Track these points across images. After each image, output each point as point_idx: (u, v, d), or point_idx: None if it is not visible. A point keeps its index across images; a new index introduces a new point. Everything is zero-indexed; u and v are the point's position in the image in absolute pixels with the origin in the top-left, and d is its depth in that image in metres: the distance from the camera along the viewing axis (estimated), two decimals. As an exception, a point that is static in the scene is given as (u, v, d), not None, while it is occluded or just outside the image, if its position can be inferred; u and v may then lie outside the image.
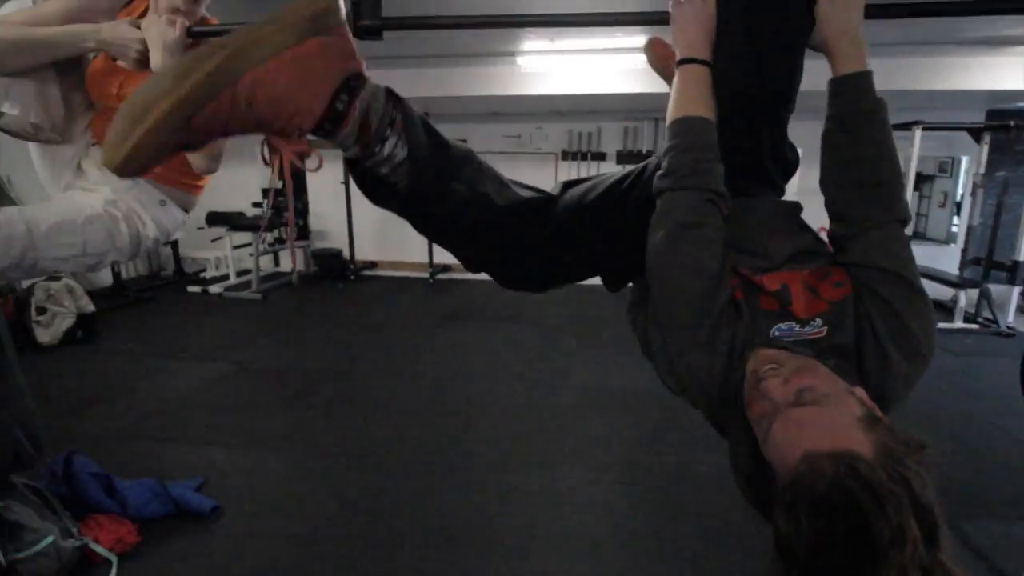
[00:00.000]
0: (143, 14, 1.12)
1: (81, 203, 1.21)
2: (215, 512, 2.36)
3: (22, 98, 1.11)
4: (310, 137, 0.87)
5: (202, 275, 7.33)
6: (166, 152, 0.72)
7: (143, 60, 1.09)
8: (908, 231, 0.87)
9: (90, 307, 4.81)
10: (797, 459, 0.64)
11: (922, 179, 7.56)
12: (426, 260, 7.35)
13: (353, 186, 5.23)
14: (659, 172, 0.87)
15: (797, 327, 0.81)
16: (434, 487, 2.60)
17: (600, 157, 6.97)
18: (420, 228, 1.03)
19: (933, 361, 0.81)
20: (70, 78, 1.21)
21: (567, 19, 1.11)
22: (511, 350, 4.64)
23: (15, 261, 1.09)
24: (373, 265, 7.77)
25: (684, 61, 0.90)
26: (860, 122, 0.88)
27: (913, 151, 4.92)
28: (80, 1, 1.15)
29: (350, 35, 0.85)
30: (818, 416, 0.67)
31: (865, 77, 0.88)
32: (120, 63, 1.13)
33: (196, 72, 0.69)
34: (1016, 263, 5.03)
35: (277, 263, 8.02)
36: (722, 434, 0.89)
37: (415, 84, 5.48)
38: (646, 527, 2.34)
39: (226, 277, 7.06)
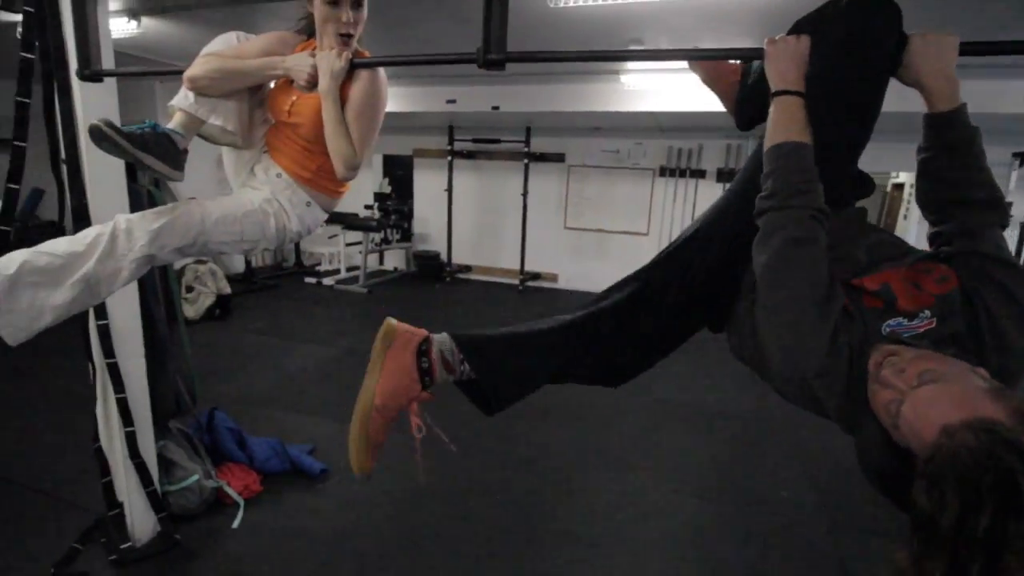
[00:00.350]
0: (313, 52, 1.39)
1: (244, 200, 1.50)
2: (323, 474, 2.68)
3: (225, 113, 1.42)
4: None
5: (317, 268, 8.08)
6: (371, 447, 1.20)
7: (313, 84, 1.36)
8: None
9: (227, 289, 5.52)
10: (935, 434, 0.66)
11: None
12: (518, 267, 7.60)
13: (455, 193, 5.73)
14: (762, 195, 0.95)
15: (906, 321, 0.86)
16: (513, 477, 2.76)
17: (700, 175, 6.86)
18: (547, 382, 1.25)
19: None
20: (255, 98, 1.52)
21: (667, 54, 1.23)
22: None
23: (190, 242, 1.39)
24: (468, 269, 8.14)
25: (779, 93, 0.98)
26: (964, 150, 0.95)
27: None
28: (271, 42, 1.45)
29: (402, 333, 1.19)
30: (946, 391, 0.71)
31: (963, 111, 0.94)
32: (295, 86, 1.41)
33: (356, 429, 1.17)
34: None
35: (382, 261, 8.64)
36: (850, 432, 0.90)
37: (522, 99, 5.75)
38: (718, 543, 2.34)
39: (337, 271, 7.74)
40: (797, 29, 1.04)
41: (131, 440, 2.07)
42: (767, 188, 0.94)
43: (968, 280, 0.87)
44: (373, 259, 8.25)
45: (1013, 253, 3.99)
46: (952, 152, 0.95)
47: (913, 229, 6.59)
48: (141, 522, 2.15)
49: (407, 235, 8.26)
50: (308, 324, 5.48)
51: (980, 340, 0.83)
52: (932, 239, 0.99)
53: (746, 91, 1.24)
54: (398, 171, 8.75)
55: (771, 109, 0.99)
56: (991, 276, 0.86)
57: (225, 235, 1.44)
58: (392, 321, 1.19)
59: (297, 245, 8.13)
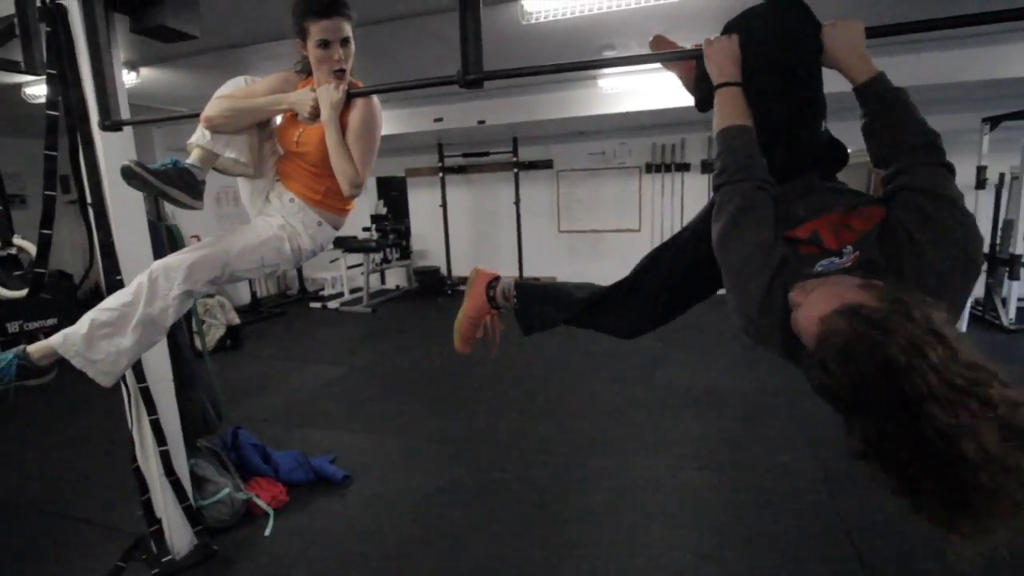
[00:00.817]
0: (313, 88, 1.56)
1: (260, 230, 1.68)
2: (346, 480, 2.82)
3: (238, 147, 1.59)
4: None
5: (321, 293, 8.26)
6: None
7: (316, 115, 1.53)
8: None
9: (236, 320, 5.68)
10: (815, 326, 0.80)
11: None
12: (516, 274, 7.76)
13: (449, 207, 5.97)
14: (714, 172, 1.11)
15: (836, 260, 0.97)
16: (526, 468, 2.90)
17: (684, 168, 7.04)
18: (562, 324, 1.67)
19: None
20: (264, 132, 1.69)
21: (628, 60, 1.40)
22: (598, 353, 4.86)
23: (219, 273, 1.60)
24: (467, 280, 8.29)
25: (720, 85, 1.15)
26: (890, 109, 1.07)
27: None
28: (276, 82, 1.63)
29: (481, 273, 1.77)
30: (823, 293, 0.84)
31: (880, 78, 1.08)
32: (299, 118, 1.58)
33: (456, 328, 1.87)
34: None
35: (383, 281, 8.81)
36: (797, 366, 1.02)
37: (507, 112, 5.95)
38: (726, 510, 2.47)
39: (341, 294, 7.91)
40: (727, 29, 1.20)
41: (165, 459, 2.22)
42: (717, 167, 1.10)
43: (898, 212, 0.98)
44: (375, 279, 8.41)
45: (990, 214, 4.16)
46: (880, 114, 1.08)
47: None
48: (179, 536, 2.29)
49: (406, 253, 8.44)
50: (317, 346, 5.64)
51: (901, 263, 0.94)
52: (883, 186, 1.11)
53: (700, 70, 1.38)
54: (392, 192, 8.96)
55: (715, 100, 1.15)
56: (916, 204, 0.96)
57: (248, 263, 1.64)
58: (477, 267, 1.79)
59: (300, 272, 8.32)
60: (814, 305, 0.84)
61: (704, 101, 1.38)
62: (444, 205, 7.88)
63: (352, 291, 7.89)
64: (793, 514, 2.40)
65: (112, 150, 1.98)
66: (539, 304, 1.65)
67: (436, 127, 6.26)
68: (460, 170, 7.98)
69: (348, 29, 1.51)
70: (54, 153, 1.92)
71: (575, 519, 2.45)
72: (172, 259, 1.55)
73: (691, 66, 1.42)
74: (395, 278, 8.76)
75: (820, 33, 1.11)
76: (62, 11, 1.90)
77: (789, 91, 1.18)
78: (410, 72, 4.36)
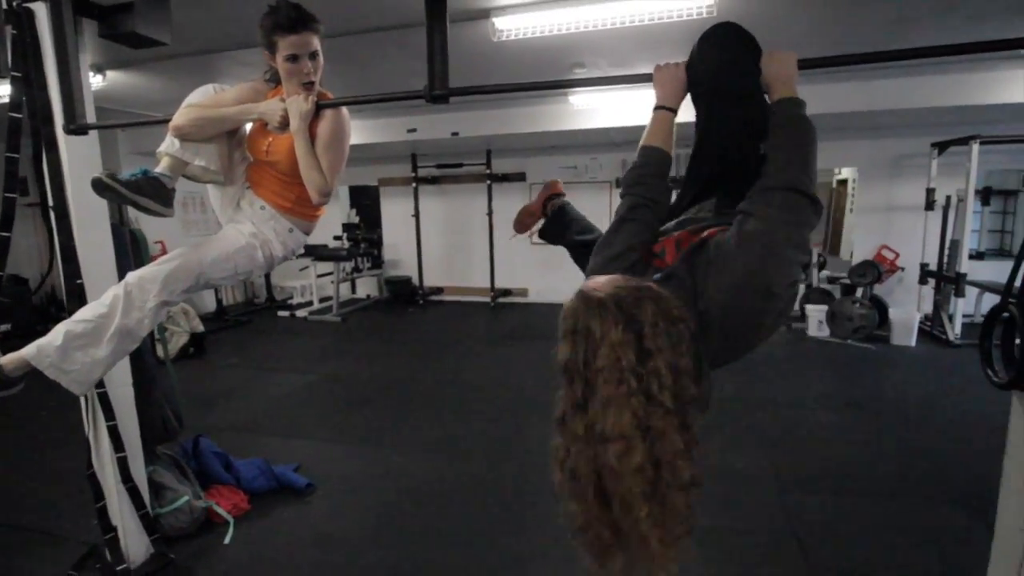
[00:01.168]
0: (283, 98, 1.60)
1: (232, 238, 1.70)
2: (309, 488, 2.81)
3: (207, 155, 1.61)
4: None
5: (289, 301, 8.15)
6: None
7: (285, 125, 1.57)
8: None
9: (200, 327, 5.58)
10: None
11: (1005, 194, 7.27)
12: (488, 285, 7.82)
13: (422, 218, 6.09)
14: (622, 179, 1.24)
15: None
16: (490, 473, 2.93)
17: (654, 184, 7.23)
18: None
19: None
20: (234, 140, 1.71)
21: (589, 82, 1.48)
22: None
23: (194, 282, 1.63)
24: (440, 291, 8.32)
25: (658, 108, 1.25)
26: (777, 130, 1.13)
27: (971, 165, 4.88)
28: (245, 91, 1.66)
29: (555, 184, 2.01)
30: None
31: (785, 102, 1.15)
32: (269, 128, 1.61)
33: (517, 216, 2.10)
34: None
35: (354, 290, 8.75)
36: None
37: (480, 124, 6.04)
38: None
39: (310, 303, 7.82)
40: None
41: (123, 465, 2.19)
42: (624, 178, 1.24)
43: (722, 233, 1.08)
44: (345, 288, 8.36)
45: (938, 234, 4.40)
46: (772, 133, 1.14)
47: (856, 221, 7.04)
48: (135, 544, 2.25)
49: (377, 262, 8.41)
50: (285, 355, 5.57)
51: (698, 277, 1.04)
52: None
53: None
54: (365, 201, 8.95)
55: (650, 119, 1.25)
56: (731, 228, 1.05)
57: (222, 271, 1.67)
58: (555, 179, 2.05)
59: (268, 280, 8.21)
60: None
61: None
62: (417, 215, 7.91)
63: (322, 300, 7.82)
64: (743, 516, 2.49)
65: (76, 153, 1.98)
66: (563, 226, 1.95)
67: (410, 137, 6.31)
68: (433, 181, 8.03)
69: (316, 43, 1.56)
70: (16, 155, 1.91)
71: (536, 524, 2.49)
72: (147, 271, 1.57)
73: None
74: (366, 287, 8.71)
75: (759, 60, 1.21)
76: (29, 14, 1.89)
77: (726, 111, 1.28)
78: (382, 83, 4.43)
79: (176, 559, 2.29)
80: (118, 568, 2.19)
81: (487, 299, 7.85)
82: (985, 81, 4.63)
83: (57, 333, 1.53)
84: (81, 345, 1.52)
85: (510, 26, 3.01)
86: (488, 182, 7.52)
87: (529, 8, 2.86)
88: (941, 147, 5.42)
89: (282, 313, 7.47)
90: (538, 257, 7.92)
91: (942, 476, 2.80)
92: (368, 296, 8.63)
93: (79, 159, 1.99)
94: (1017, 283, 1.43)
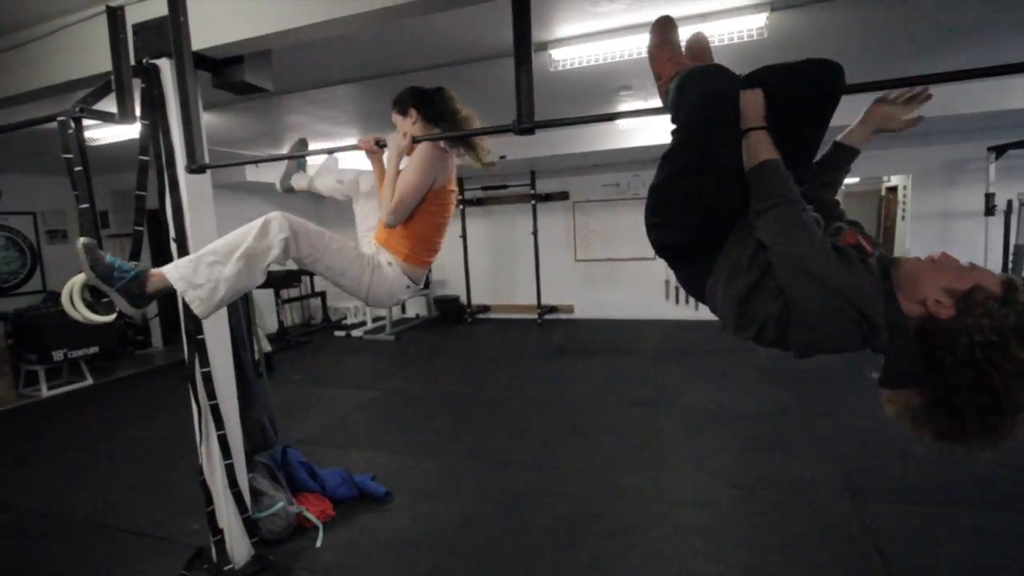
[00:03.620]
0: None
1: (360, 248, 1.96)
2: (388, 497, 2.97)
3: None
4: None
5: (344, 322, 8.48)
6: None
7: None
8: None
9: (268, 347, 5.90)
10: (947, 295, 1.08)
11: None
12: (535, 302, 7.95)
13: (469, 238, 6.33)
14: (761, 198, 1.25)
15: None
16: (556, 484, 3.03)
17: (698, 198, 7.26)
18: None
19: None
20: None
21: (652, 111, 1.61)
22: (619, 377, 5.01)
23: (311, 252, 1.74)
24: (487, 309, 8.51)
25: (749, 129, 1.32)
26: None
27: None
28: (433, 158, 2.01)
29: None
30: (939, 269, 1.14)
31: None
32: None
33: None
34: None
35: (404, 310, 9.03)
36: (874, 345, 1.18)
37: (525, 146, 6.24)
38: (752, 523, 2.58)
39: (364, 323, 8.13)
40: (754, 78, 1.40)
41: (230, 472, 2.39)
42: (765, 195, 1.25)
43: None
44: (396, 308, 8.64)
45: (1000, 240, 4.39)
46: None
47: (909, 228, 6.89)
48: (239, 547, 2.44)
49: (427, 282, 8.68)
50: (347, 372, 5.82)
51: None
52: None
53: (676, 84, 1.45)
54: (412, 223, 9.28)
55: (748, 142, 1.32)
56: None
57: (334, 262, 1.82)
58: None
59: (324, 301, 8.57)
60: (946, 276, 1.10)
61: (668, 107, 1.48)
62: (464, 236, 8.15)
63: (374, 320, 8.11)
64: (819, 526, 2.51)
65: (193, 189, 2.23)
66: None
67: (459, 162, 6.55)
68: (479, 202, 8.28)
69: (395, 118, 2.10)
70: (144, 193, 2.16)
71: (607, 533, 2.57)
72: (290, 215, 1.74)
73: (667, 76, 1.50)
74: (415, 307, 8.98)
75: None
76: (155, 69, 2.17)
77: (795, 138, 1.39)
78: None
79: (275, 561, 2.47)
80: (224, 568, 2.38)
81: (534, 316, 7.98)
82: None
83: (192, 255, 1.66)
84: (212, 262, 1.61)
85: (565, 56, 3.18)
86: (532, 202, 7.71)
87: (584, 40, 3.03)
88: (999, 151, 5.30)
89: (338, 333, 7.79)
90: (583, 274, 8.03)
91: None
92: (418, 316, 8.88)
93: (196, 194, 2.24)
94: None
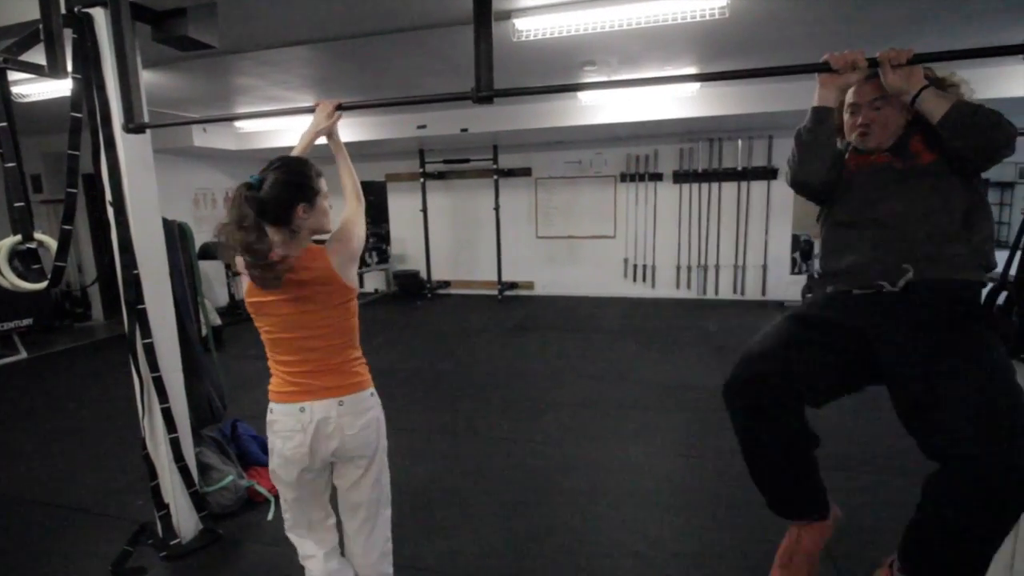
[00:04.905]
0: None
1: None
2: (342, 469, 2.95)
3: None
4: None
5: (299, 295, 8.27)
6: None
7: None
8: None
9: (218, 320, 5.71)
10: None
11: (1002, 186, 7.43)
12: (495, 278, 7.95)
13: (429, 212, 6.29)
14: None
15: None
16: (514, 455, 3.08)
17: (657, 177, 7.37)
18: None
19: None
20: None
21: (631, 83, 1.61)
22: (577, 353, 5.09)
23: None
24: (447, 284, 8.46)
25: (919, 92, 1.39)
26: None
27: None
28: None
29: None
30: None
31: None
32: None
33: None
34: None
35: (362, 284, 8.88)
36: None
37: (487, 120, 6.16)
38: (701, 489, 2.70)
39: (320, 297, 7.94)
40: None
41: (175, 446, 2.32)
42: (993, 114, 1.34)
43: None
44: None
45: None
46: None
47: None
48: (186, 521, 2.39)
49: (384, 257, 8.54)
50: (301, 346, 5.69)
51: None
52: None
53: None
54: (370, 196, 9.06)
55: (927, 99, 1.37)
56: None
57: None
58: None
59: (278, 274, 8.32)
60: None
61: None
62: (425, 210, 8.03)
63: (331, 294, 7.93)
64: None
65: (133, 151, 2.10)
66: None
67: (419, 134, 6.43)
68: (440, 176, 8.15)
69: None
70: (77, 153, 2.03)
71: (562, 500, 2.63)
72: None
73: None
74: (374, 282, 8.85)
75: None
76: (89, 19, 2.01)
77: None
78: (397, 82, 4.54)
79: (224, 534, 2.43)
80: (171, 543, 2.33)
81: (494, 292, 7.98)
82: (987, 76, 4.77)
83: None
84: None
85: (529, 27, 3.12)
86: (495, 177, 7.64)
87: (548, 10, 2.98)
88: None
89: (293, 307, 7.58)
90: (544, 251, 8.07)
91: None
92: (376, 290, 8.76)
93: (135, 157, 2.11)
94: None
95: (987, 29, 3.61)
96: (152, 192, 2.21)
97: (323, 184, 1.49)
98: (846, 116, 1.57)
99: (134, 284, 2.14)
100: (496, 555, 2.25)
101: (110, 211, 2.11)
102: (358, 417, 1.55)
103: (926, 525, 1.30)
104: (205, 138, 6.42)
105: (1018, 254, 1.52)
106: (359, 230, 1.58)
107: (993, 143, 1.34)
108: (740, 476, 2.74)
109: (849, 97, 1.54)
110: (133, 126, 1.97)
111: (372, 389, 1.62)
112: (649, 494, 2.67)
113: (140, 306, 2.16)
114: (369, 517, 1.63)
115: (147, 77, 4.17)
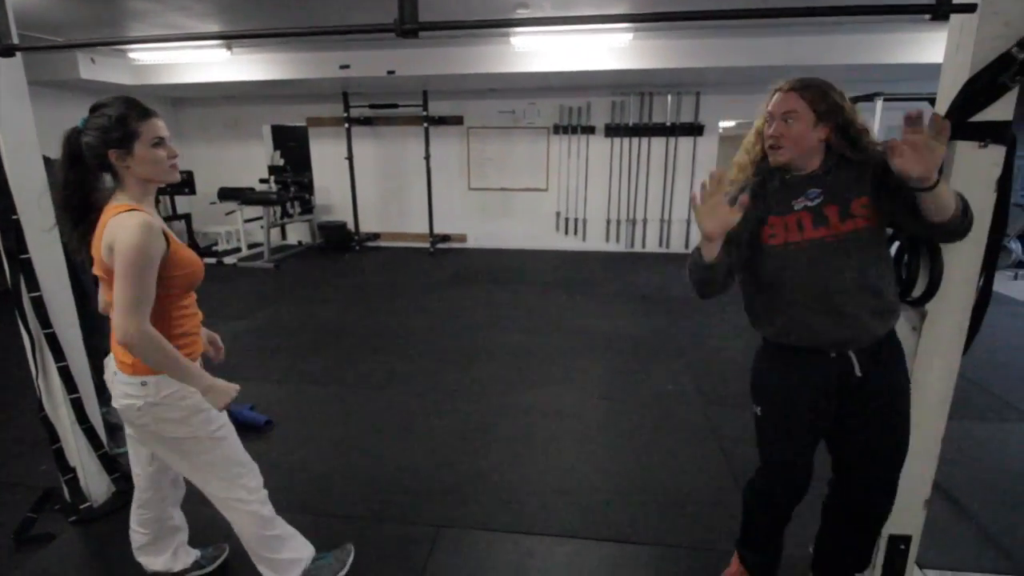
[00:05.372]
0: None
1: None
2: (269, 425, 2.87)
3: None
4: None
5: (215, 248, 7.76)
6: None
7: None
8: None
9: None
10: None
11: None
12: (427, 231, 7.79)
13: (356, 161, 6.11)
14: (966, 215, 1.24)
15: None
16: (446, 404, 3.11)
17: (590, 131, 7.38)
18: None
19: None
20: None
21: (565, 20, 1.54)
22: (509, 305, 5.15)
23: None
24: (376, 236, 8.21)
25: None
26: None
27: (875, 121, 5.38)
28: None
29: None
30: None
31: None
32: None
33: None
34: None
35: (284, 236, 8.45)
36: None
37: (416, 62, 5.86)
38: (623, 430, 2.86)
39: (238, 249, 7.49)
40: None
41: (78, 406, 2.15)
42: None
43: None
44: (275, 234, 8.05)
45: None
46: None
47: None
48: (96, 484, 2.25)
49: (308, 207, 8.12)
50: (220, 302, 5.39)
51: None
52: None
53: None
54: (290, 142, 8.49)
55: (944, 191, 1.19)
56: None
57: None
58: None
59: (189, 224, 7.74)
60: None
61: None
62: (350, 158, 7.65)
63: (250, 247, 7.51)
64: (676, 429, 2.83)
65: (2, 78, 1.83)
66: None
67: (342, 74, 6.03)
68: (367, 122, 7.75)
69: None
70: (-72, 76, 1.74)
71: (493, 445, 2.71)
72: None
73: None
74: (297, 233, 8.43)
75: None
76: (-71, -88, 1.69)
77: None
78: (316, 16, 4.19)
79: (140, 495, 2.31)
80: (81, 507, 2.19)
81: (426, 245, 7.84)
82: (889, 42, 5.07)
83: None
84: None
85: (459, -40, 2.95)
86: (425, 125, 7.36)
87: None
88: (851, 102, 5.89)
89: (208, 260, 7.11)
90: (477, 203, 7.96)
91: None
92: (300, 243, 8.36)
93: (5, 85, 1.84)
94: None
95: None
96: (29, 126, 1.95)
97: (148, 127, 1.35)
98: (763, 124, 1.46)
99: (14, 231, 1.91)
100: (430, 498, 2.29)
101: (-24, 147, 1.84)
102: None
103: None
104: (94, 70, 5.71)
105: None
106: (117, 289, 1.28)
107: (963, 236, 1.32)
108: (656, 419, 2.94)
109: (767, 105, 1.43)
110: (2, 48, 1.70)
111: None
112: (576, 437, 2.80)
113: (24, 255, 1.94)
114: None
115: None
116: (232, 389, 1.47)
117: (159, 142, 1.37)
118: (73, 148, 1.33)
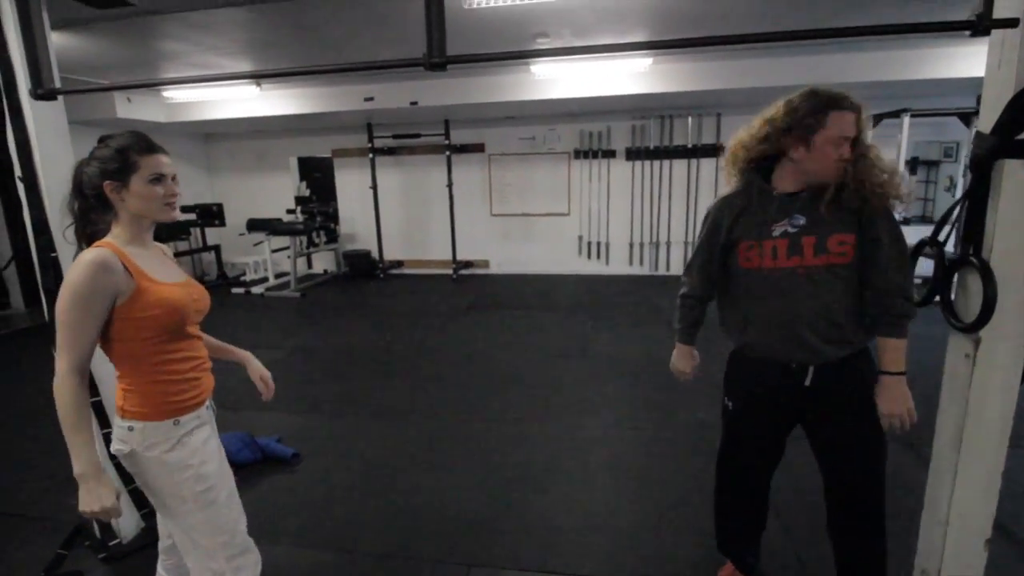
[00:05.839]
0: None
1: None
2: (296, 458, 2.85)
3: None
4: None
5: (242, 279, 7.91)
6: None
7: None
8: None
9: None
10: None
11: (928, 164, 7.86)
12: (450, 257, 7.83)
13: (380, 189, 6.12)
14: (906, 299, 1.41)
15: None
16: (470, 434, 3.06)
17: (610, 154, 7.39)
18: None
19: None
20: None
21: (586, 49, 1.54)
22: (533, 330, 5.10)
23: None
24: (400, 264, 8.28)
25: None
26: None
27: (902, 137, 5.27)
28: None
29: None
30: None
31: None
32: None
33: None
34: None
35: (310, 265, 8.58)
36: None
37: (438, 93, 5.97)
38: (653, 459, 2.76)
39: (265, 279, 7.62)
40: None
41: (108, 441, 2.16)
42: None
43: None
44: (300, 264, 8.18)
45: None
46: None
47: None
48: (126, 520, 2.24)
49: (333, 236, 8.25)
50: (247, 331, 5.46)
51: None
52: None
53: None
54: (316, 173, 8.70)
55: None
56: None
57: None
58: None
59: (218, 255, 7.92)
60: None
61: None
62: (375, 187, 7.78)
63: (277, 276, 7.64)
64: (710, 460, 2.71)
65: (44, 121, 1.90)
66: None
67: (366, 107, 6.17)
68: (390, 151, 7.90)
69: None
70: (-24, 122, 1.81)
71: (521, 477, 2.64)
72: None
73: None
74: (323, 262, 8.56)
75: None
76: (-18, -31, 1.78)
77: None
78: (342, 51, 4.31)
79: (168, 531, 2.30)
80: (111, 544, 2.19)
81: (449, 271, 7.88)
82: (914, 58, 5.00)
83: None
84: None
85: (480, -6, 3.01)
86: (447, 153, 7.47)
87: (500, -24, 2.88)
88: (876, 119, 5.81)
89: (236, 291, 7.25)
90: (499, 228, 8.00)
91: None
92: (326, 271, 8.48)
93: (47, 127, 1.91)
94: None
95: (927, 9, 3.74)
96: (68, 167, 2.00)
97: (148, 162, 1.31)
98: (826, 145, 1.43)
99: (52, 268, 1.95)
100: (458, 533, 2.23)
101: (20, 188, 1.90)
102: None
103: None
104: (130, 109, 5.95)
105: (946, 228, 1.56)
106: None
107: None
108: (688, 449, 2.84)
109: (839, 129, 1.42)
110: (43, 92, 1.76)
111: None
112: (605, 467, 2.71)
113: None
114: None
115: (59, 40, 3.80)
116: (108, 499, 1.20)
117: (157, 179, 1.31)
118: (77, 178, 1.32)
